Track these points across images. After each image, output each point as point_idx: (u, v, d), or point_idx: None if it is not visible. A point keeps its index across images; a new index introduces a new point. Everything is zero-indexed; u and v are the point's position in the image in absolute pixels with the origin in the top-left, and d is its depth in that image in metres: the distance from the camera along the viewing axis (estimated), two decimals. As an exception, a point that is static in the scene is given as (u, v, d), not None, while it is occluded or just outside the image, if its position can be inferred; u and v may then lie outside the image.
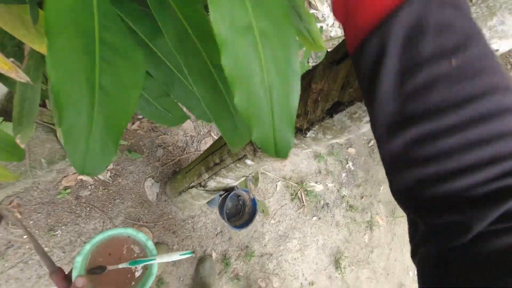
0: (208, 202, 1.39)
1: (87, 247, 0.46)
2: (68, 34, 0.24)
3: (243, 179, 0.85)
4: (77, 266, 0.44)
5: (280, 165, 1.83)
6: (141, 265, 0.47)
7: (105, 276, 0.45)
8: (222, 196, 0.91)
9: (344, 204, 2.03)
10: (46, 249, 1.18)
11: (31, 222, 1.18)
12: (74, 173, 1.28)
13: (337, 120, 0.39)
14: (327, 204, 1.94)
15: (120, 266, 0.45)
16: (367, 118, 0.37)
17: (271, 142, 0.31)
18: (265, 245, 1.66)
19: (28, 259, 1.14)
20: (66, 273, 0.46)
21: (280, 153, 0.33)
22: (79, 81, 0.26)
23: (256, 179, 1.70)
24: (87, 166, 0.30)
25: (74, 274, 0.44)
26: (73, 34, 0.24)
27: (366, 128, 0.41)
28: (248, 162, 0.65)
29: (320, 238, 1.86)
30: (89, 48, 0.26)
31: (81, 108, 0.27)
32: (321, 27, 2.48)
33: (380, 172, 2.34)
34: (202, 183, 0.94)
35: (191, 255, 0.51)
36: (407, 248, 2.26)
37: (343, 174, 2.11)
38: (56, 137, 1.22)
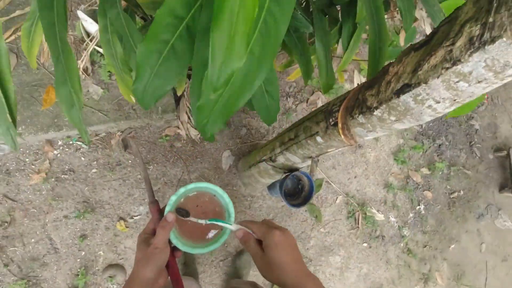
0: (269, 188, 1.52)
1: (182, 190, 0.50)
2: None
3: (308, 162, 0.95)
4: (170, 203, 0.49)
5: (347, 181, 1.84)
6: (214, 233, 0.52)
7: (185, 222, 0.50)
8: (285, 175, 1.03)
9: (401, 244, 1.90)
10: (139, 176, 1.49)
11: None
12: (175, 126, 1.58)
13: (402, 100, 0.47)
14: (383, 236, 1.86)
15: (200, 221, 0.49)
16: (430, 102, 0.44)
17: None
18: (307, 249, 1.70)
19: (127, 178, 1.47)
20: (161, 207, 0.52)
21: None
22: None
23: (319, 185, 1.76)
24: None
25: (166, 209, 0.49)
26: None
27: (427, 115, 0.48)
28: (319, 139, 0.76)
29: (365, 267, 1.79)
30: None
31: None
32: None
33: (455, 229, 2.10)
34: (273, 157, 1.08)
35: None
36: (464, 323, 1.97)
37: (411, 214, 1.98)
38: (173, 93, 1.53)
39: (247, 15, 0.32)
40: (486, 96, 2.50)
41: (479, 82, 0.38)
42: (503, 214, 2.27)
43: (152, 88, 0.51)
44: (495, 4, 0.32)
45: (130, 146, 0.63)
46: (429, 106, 0.45)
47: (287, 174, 1.03)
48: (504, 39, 0.32)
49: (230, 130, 1.67)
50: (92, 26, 1.29)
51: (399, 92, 0.47)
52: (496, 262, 2.17)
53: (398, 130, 0.55)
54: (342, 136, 0.66)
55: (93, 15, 1.31)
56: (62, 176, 1.38)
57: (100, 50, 1.35)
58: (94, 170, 1.42)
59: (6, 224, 1.27)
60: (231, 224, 0.49)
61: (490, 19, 0.33)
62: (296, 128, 0.87)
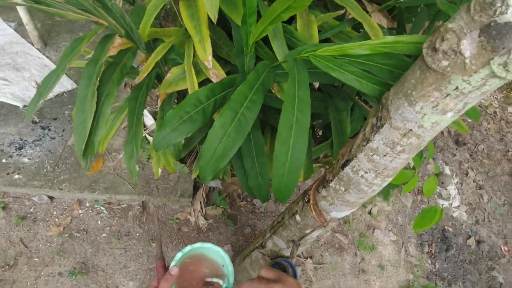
0: None
1: (188, 248, 0.56)
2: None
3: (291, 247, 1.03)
4: (176, 259, 0.54)
5: (347, 308, 1.70)
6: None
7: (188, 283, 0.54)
8: (271, 260, 1.08)
9: None
10: (140, 250, 1.56)
11: (146, 228, 1.63)
12: (187, 212, 1.74)
13: (345, 172, 0.64)
14: None
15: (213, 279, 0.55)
16: (361, 172, 0.61)
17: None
18: None
19: (129, 250, 1.54)
20: (167, 265, 0.56)
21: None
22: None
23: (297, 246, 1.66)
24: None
25: (171, 264, 0.53)
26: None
27: (363, 185, 0.63)
28: (297, 217, 0.88)
29: None
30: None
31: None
32: (443, 205, 2.46)
33: None
34: (263, 243, 1.16)
35: None
36: None
37: None
38: (191, 179, 1.76)
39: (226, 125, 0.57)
40: (506, 248, 2.39)
41: (384, 155, 0.56)
42: None
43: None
44: (382, 103, 0.53)
45: (148, 207, 0.79)
46: (362, 176, 0.61)
47: (272, 262, 1.09)
48: (387, 125, 0.52)
49: (235, 227, 1.77)
50: (149, 121, 1.70)
51: (343, 166, 0.65)
52: None
53: (352, 203, 0.71)
54: (313, 212, 0.79)
55: (153, 114, 1.75)
56: (75, 234, 1.50)
57: (149, 138, 1.71)
58: (104, 235, 1.54)
59: (7, 267, 1.35)
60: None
61: (379, 114, 0.55)
62: (283, 214, 1.01)
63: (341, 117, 0.83)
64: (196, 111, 0.71)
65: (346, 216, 0.86)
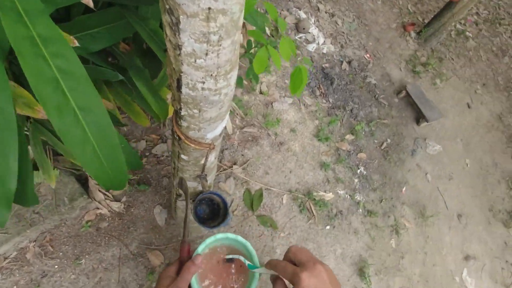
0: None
1: (210, 239, 0.56)
2: None
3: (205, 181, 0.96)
4: (200, 246, 0.54)
5: (284, 179, 1.89)
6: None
7: (215, 271, 0.54)
8: (194, 201, 1.02)
9: (360, 210, 1.97)
10: (72, 276, 1.36)
11: (60, 253, 1.38)
12: (94, 209, 1.50)
13: (185, 94, 0.51)
14: (341, 211, 1.91)
15: (244, 260, 0.53)
16: (199, 85, 0.49)
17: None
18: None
19: (59, 286, 1.33)
20: (191, 248, 0.55)
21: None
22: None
23: (260, 196, 1.77)
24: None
25: (197, 250, 0.53)
26: None
27: (210, 96, 0.52)
28: (183, 156, 0.78)
29: (338, 247, 1.80)
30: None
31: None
32: (313, 48, 2.63)
33: (399, 173, 2.24)
34: (177, 192, 1.07)
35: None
36: (447, 250, 2.06)
37: (355, 180, 2.07)
38: (76, 179, 1.46)
39: None
40: (368, 55, 2.82)
41: (206, 54, 0.43)
42: (430, 141, 2.49)
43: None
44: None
45: (182, 184, 0.70)
46: (203, 88, 0.49)
47: (195, 199, 1.03)
48: (182, 16, 0.37)
49: (152, 186, 1.63)
50: None
51: (178, 88, 0.51)
52: (445, 184, 2.35)
53: (217, 116, 0.60)
54: (191, 145, 0.68)
55: None
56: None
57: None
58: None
59: None
60: (259, 267, 0.51)
61: (167, 6, 0.38)
62: (172, 157, 0.89)
63: (151, 25, 0.63)
64: None
65: (224, 128, 0.79)
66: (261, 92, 2.14)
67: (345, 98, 2.46)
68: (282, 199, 1.82)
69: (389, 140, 2.38)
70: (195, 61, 0.44)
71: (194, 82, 0.48)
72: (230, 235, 0.56)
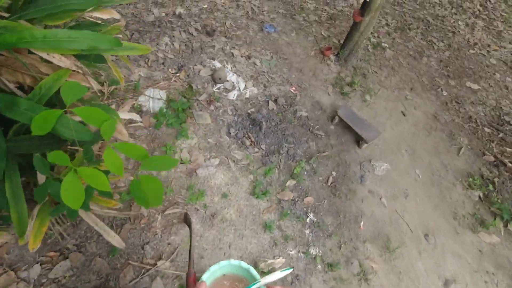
0: None
1: (215, 267, 0.57)
2: None
3: None
4: (206, 273, 0.56)
5: (224, 257, 1.62)
6: None
7: None
8: None
9: (319, 266, 1.73)
10: None
11: None
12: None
13: None
14: (297, 276, 1.65)
15: None
16: None
17: None
18: None
19: None
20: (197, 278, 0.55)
21: None
22: None
23: None
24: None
25: (202, 278, 0.54)
26: None
27: None
28: None
29: (303, 324, 1.53)
30: None
31: None
32: (235, 95, 2.51)
33: (353, 207, 2.07)
34: None
35: (291, 270, 0.60)
36: (424, 280, 1.85)
37: (307, 232, 1.85)
38: None
39: None
40: (293, 88, 2.75)
41: None
42: (375, 161, 2.38)
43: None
44: None
45: (187, 219, 0.70)
46: None
47: None
48: None
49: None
50: None
51: None
52: (402, 203, 2.20)
53: None
54: None
55: None
56: None
57: None
58: None
59: None
60: (259, 281, 0.56)
61: None
62: None
63: None
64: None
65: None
66: (181, 162, 1.92)
67: (278, 141, 2.31)
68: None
69: (334, 173, 2.23)
70: None
71: None
72: (233, 262, 0.59)
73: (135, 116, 1.06)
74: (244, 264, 0.58)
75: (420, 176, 2.41)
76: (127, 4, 3.04)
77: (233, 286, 0.59)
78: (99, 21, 0.98)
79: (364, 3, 2.73)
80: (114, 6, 3.00)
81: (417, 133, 2.74)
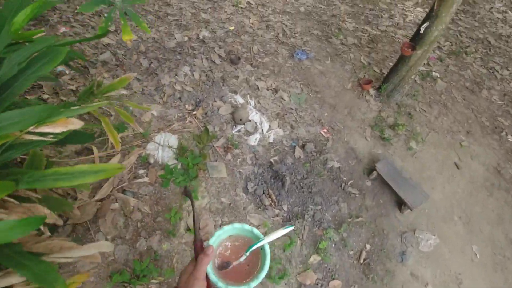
0: None
1: (228, 227, 0.58)
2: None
3: None
4: (213, 238, 0.56)
5: None
6: (254, 248, 0.56)
7: (231, 270, 0.56)
8: None
9: None
10: None
11: None
12: None
13: None
14: None
15: (241, 259, 0.56)
16: None
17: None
18: None
19: None
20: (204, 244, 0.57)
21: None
22: None
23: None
24: None
25: (209, 242, 0.56)
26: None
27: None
28: None
29: None
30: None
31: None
32: (256, 139, 2.20)
33: (396, 277, 1.68)
34: None
35: (293, 227, 0.60)
36: None
37: (331, 332, 1.51)
38: None
39: None
40: (324, 130, 2.38)
41: None
42: (421, 233, 1.96)
43: None
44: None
45: (187, 190, 0.69)
46: None
47: None
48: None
49: None
50: None
51: None
52: (454, 294, 1.77)
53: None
54: None
55: None
56: None
57: None
58: None
59: None
60: (263, 239, 0.56)
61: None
62: None
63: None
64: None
65: None
66: (188, 229, 1.65)
67: (303, 201, 1.97)
68: None
69: (368, 246, 1.85)
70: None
71: None
72: (236, 225, 0.59)
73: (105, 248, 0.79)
74: (247, 226, 0.58)
75: (478, 256, 1.95)
76: (149, 27, 2.83)
77: (239, 245, 0.59)
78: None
79: (417, 34, 2.28)
80: (134, 29, 2.81)
81: (474, 193, 2.26)
